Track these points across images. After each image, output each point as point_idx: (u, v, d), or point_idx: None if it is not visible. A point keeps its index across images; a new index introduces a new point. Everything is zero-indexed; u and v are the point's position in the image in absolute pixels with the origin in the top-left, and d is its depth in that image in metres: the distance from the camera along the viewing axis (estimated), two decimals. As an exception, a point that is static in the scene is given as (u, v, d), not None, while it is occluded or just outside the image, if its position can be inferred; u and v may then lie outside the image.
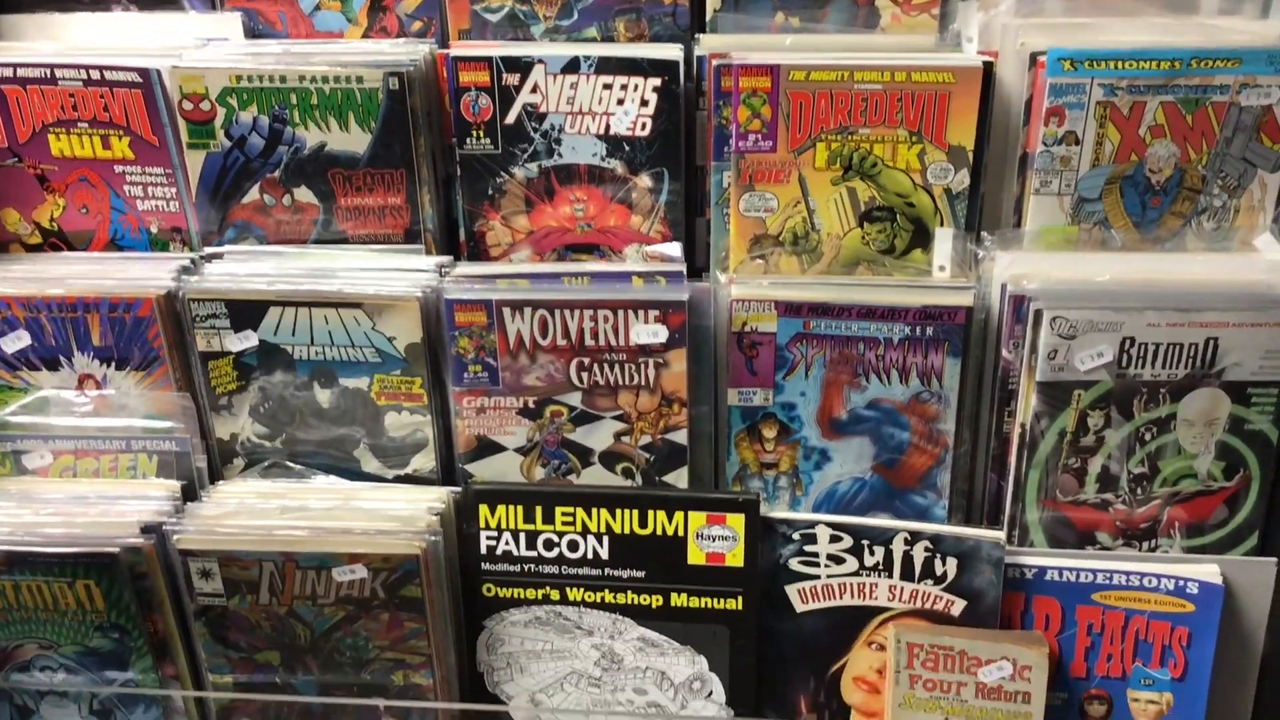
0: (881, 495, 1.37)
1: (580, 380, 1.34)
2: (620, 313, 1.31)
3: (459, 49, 1.36)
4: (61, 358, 1.37)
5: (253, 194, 1.39)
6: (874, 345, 1.31)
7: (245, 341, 1.34)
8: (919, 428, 1.33)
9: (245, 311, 1.33)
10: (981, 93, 1.27)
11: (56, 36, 1.43)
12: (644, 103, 1.35)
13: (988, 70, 1.26)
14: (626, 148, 1.36)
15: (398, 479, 1.40)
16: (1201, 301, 1.21)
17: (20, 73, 1.36)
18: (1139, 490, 1.29)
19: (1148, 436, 1.27)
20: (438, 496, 1.34)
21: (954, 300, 1.28)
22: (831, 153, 1.31)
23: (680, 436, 1.36)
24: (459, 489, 1.36)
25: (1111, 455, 1.28)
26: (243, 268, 1.37)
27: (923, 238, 1.34)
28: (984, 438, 1.34)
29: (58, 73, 1.35)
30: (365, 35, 1.43)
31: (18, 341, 1.35)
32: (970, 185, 1.31)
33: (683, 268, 1.35)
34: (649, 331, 1.31)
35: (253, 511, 1.32)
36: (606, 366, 1.33)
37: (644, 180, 1.38)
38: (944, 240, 1.33)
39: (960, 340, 1.29)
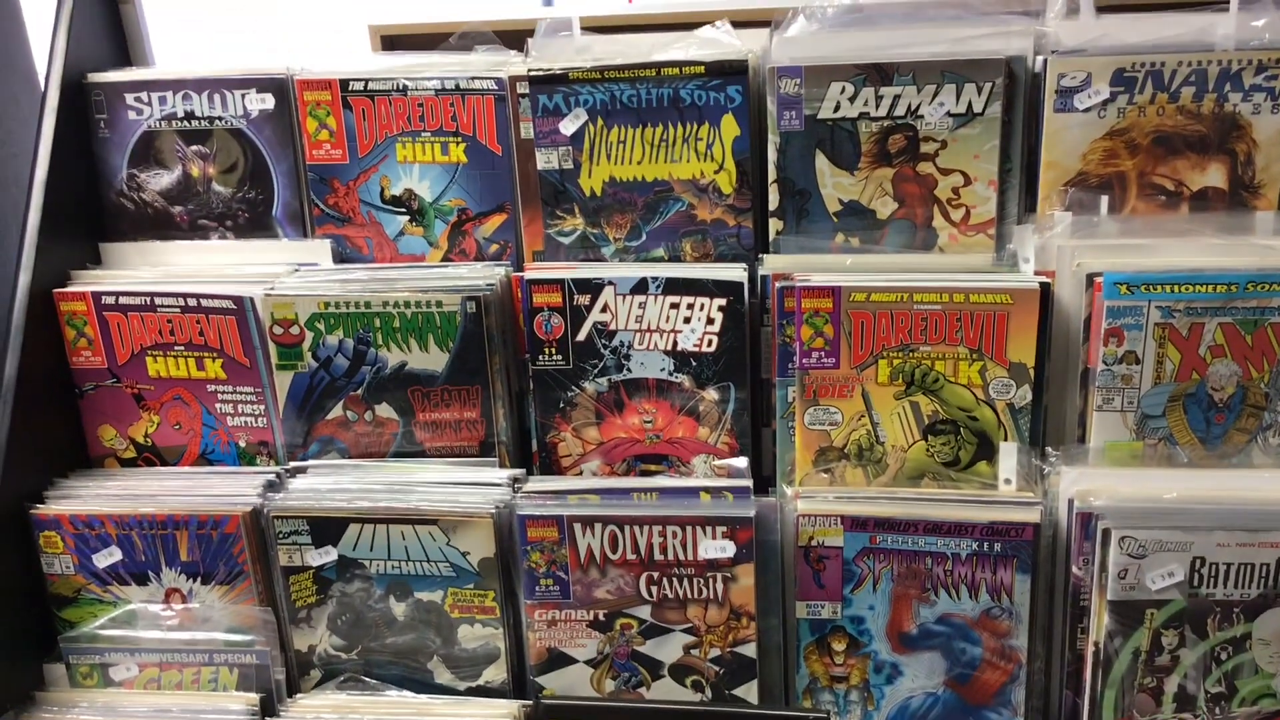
0: (955, 711, 1.35)
1: (649, 593, 1.36)
2: (689, 528, 1.33)
3: (533, 271, 1.43)
4: (150, 572, 1.42)
5: (336, 410, 1.45)
6: (941, 560, 1.31)
7: (325, 557, 1.38)
8: (991, 643, 1.33)
9: (326, 528, 1.38)
10: (1040, 312, 1.30)
11: (156, 263, 1.53)
12: (710, 321, 1.40)
13: (1045, 291, 1.30)
14: (693, 363, 1.41)
15: (469, 691, 1.41)
16: (1271, 521, 1.21)
17: (122, 300, 1.45)
18: (1218, 709, 1.27)
19: (1224, 656, 1.25)
20: (508, 712, 1.35)
21: (1021, 517, 1.29)
22: (893, 369, 1.34)
23: (749, 649, 1.36)
24: (530, 703, 1.37)
25: (1187, 674, 1.26)
26: (325, 482, 1.42)
27: (987, 450, 1.35)
28: (1058, 653, 1.33)
29: (157, 300, 1.44)
30: (445, 257, 1.51)
31: (109, 557, 1.41)
32: (1033, 400, 1.33)
33: (749, 482, 1.38)
34: (717, 547, 1.33)
35: (329, 729, 1.34)
36: (675, 580, 1.35)
37: (710, 394, 1.42)
38: (1009, 455, 1.34)
39: (1029, 556, 1.29)
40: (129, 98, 1.51)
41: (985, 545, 1.30)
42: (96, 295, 1.45)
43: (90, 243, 1.54)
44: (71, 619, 1.45)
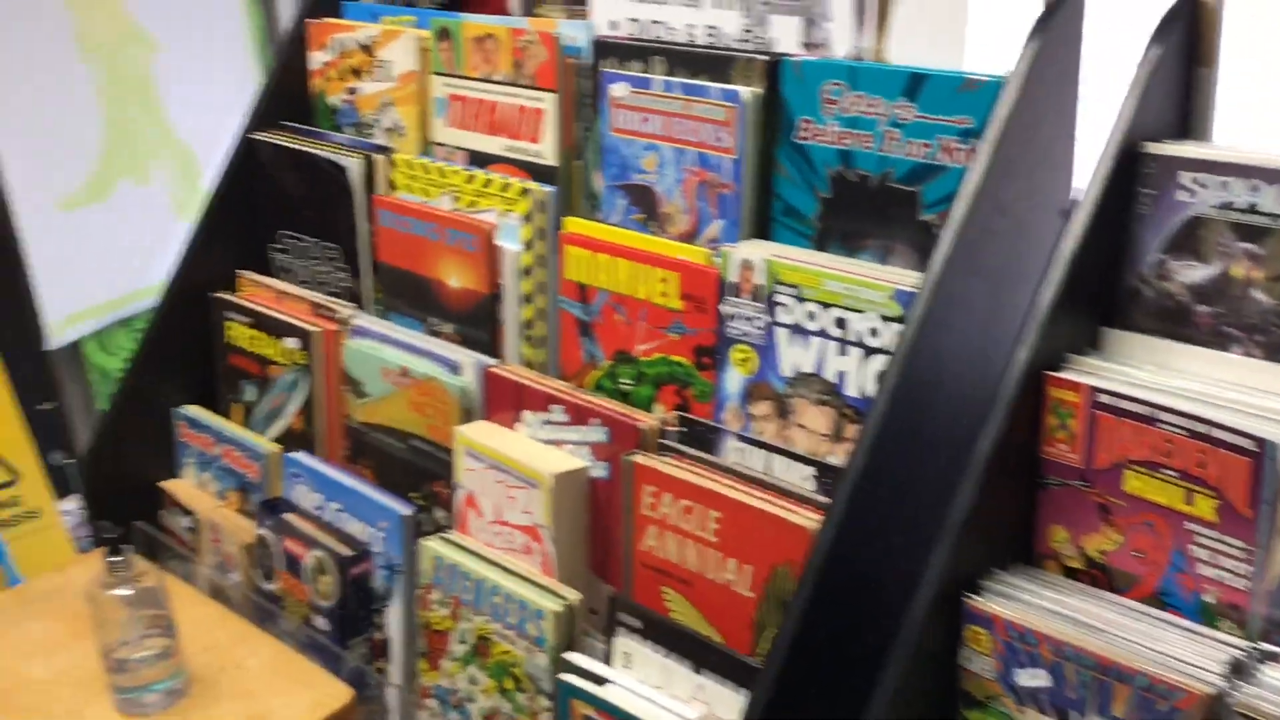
0: None
1: None
2: None
3: None
4: (1075, 713, 1.25)
5: (1348, 606, 1.16)
6: None
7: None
8: None
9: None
10: None
11: (1161, 364, 1.34)
12: None
13: None
14: None
15: None
16: None
17: (1120, 403, 1.28)
18: None
19: None
20: None
21: None
22: None
23: None
24: None
25: None
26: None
27: None
28: None
29: (1161, 415, 1.25)
30: None
31: (1034, 679, 1.27)
32: None
33: None
34: None
35: None
36: None
37: None
38: None
39: None
40: (1183, 176, 1.32)
41: None
42: (1092, 390, 1.30)
43: (1091, 324, 1.40)
44: (974, 720, 1.35)
